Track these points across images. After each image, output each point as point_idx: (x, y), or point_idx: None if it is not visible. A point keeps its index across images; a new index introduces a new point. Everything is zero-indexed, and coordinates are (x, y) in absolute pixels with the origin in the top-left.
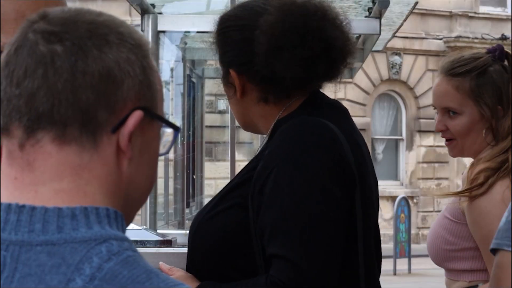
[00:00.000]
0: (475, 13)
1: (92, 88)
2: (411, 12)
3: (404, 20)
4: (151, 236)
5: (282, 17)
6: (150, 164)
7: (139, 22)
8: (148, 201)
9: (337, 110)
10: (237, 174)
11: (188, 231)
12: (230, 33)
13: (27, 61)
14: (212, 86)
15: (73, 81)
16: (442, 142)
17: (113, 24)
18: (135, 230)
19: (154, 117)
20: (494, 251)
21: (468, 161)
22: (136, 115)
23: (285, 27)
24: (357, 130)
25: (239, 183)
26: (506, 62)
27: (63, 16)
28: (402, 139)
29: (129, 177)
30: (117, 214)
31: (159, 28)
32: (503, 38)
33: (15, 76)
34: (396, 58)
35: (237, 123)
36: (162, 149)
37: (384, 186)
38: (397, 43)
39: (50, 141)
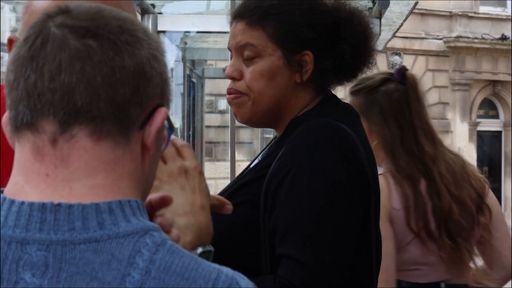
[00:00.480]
0: (475, 13)
1: (128, 84)
2: (411, 12)
3: (404, 20)
4: None
5: (357, 12)
6: (158, 160)
7: None
8: None
9: (351, 113)
10: (248, 171)
11: None
12: (315, 15)
13: (60, 55)
14: (212, 86)
15: (112, 75)
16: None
17: (136, 21)
18: None
19: (167, 116)
20: None
21: (468, 161)
22: (163, 112)
23: (366, 21)
24: (367, 136)
25: (252, 180)
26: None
27: (89, 11)
28: None
29: (148, 172)
30: (144, 206)
31: (159, 28)
32: (503, 38)
33: (47, 71)
34: (396, 58)
35: (237, 123)
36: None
37: None
38: (397, 43)
39: (86, 136)
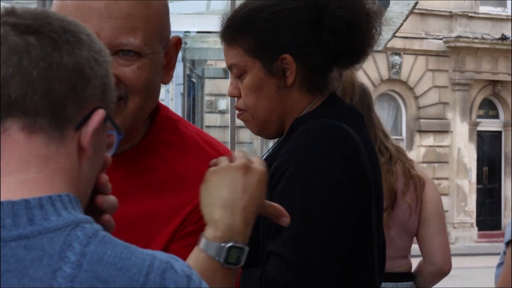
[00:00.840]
0: (475, 13)
1: (65, 81)
2: (411, 12)
3: (404, 20)
4: None
5: None
6: (99, 165)
7: None
8: None
9: (354, 114)
10: None
11: None
12: (283, 17)
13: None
14: (212, 86)
15: (49, 70)
16: (442, 142)
17: (81, 24)
18: None
19: (109, 120)
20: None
21: (468, 161)
22: (100, 114)
23: (359, 3)
24: (371, 136)
25: None
26: None
27: (33, 11)
28: (402, 139)
29: (86, 175)
30: (77, 200)
31: None
32: (503, 38)
33: None
34: (396, 58)
35: (237, 123)
36: (109, 153)
37: None
38: (397, 43)
39: (19, 130)
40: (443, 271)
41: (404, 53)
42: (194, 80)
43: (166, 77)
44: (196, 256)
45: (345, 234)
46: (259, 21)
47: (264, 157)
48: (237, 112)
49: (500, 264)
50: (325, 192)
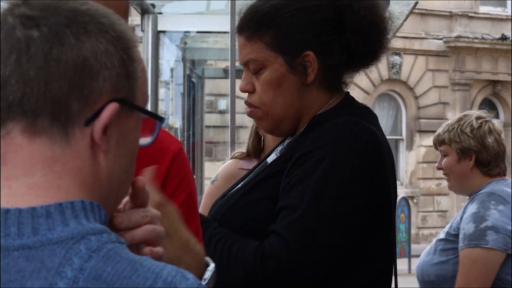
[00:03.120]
0: (475, 13)
1: (65, 78)
2: (411, 12)
3: (404, 20)
4: None
5: None
6: (128, 155)
7: (138, 22)
8: None
9: (370, 115)
10: (266, 167)
11: None
12: (309, 14)
13: (3, 46)
14: (212, 86)
15: (46, 69)
16: None
17: (96, 13)
18: None
19: (133, 108)
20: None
21: None
22: (111, 108)
23: (377, 4)
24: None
25: (272, 174)
26: None
27: (45, 1)
28: (402, 139)
29: (108, 170)
30: (93, 205)
31: (159, 28)
32: (503, 38)
33: None
34: (396, 58)
35: (237, 123)
36: (148, 140)
37: None
38: (397, 43)
39: (20, 133)
40: None
41: (404, 53)
42: (194, 80)
43: None
44: None
45: (349, 235)
46: (284, 16)
47: (280, 152)
48: (247, 109)
49: (445, 262)
50: (338, 190)
